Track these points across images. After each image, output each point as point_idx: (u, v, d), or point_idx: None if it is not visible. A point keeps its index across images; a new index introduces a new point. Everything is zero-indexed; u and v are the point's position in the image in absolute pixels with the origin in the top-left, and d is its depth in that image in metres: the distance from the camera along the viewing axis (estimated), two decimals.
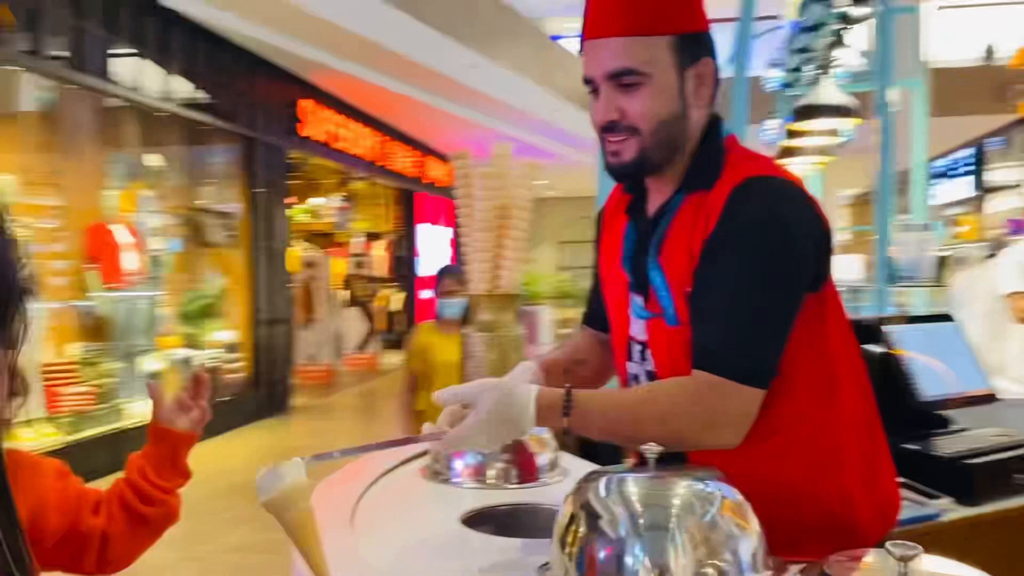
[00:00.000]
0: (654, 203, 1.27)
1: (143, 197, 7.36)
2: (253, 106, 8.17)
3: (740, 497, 0.97)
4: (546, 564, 1.10)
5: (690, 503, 0.94)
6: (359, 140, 10.57)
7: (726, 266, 1.14)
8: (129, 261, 7.08)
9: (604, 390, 1.35)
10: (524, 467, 1.57)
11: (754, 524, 0.96)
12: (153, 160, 7.48)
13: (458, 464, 1.57)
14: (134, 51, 6.49)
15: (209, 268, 8.61)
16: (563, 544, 0.96)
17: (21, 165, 6.38)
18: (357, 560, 1.18)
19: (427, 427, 1.19)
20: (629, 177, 1.26)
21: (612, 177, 1.28)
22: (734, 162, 1.21)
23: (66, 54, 5.88)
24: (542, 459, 1.60)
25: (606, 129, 1.22)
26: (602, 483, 0.97)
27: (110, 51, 6.26)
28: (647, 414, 1.15)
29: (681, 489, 0.96)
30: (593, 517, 0.95)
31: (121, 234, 7.01)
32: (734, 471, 1.01)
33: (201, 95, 7.42)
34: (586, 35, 1.21)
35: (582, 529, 0.95)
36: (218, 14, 6.89)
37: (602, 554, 0.93)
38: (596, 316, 1.45)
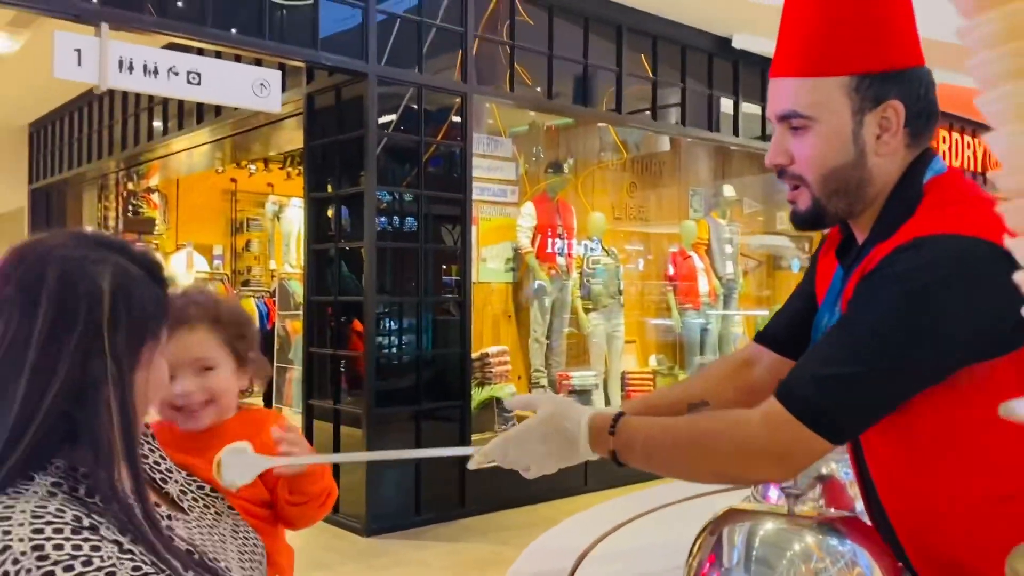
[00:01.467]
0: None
1: (718, 225, 8.00)
2: None
3: (870, 560, 0.91)
4: None
5: (809, 553, 0.93)
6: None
7: (865, 307, 1.03)
8: (703, 284, 7.78)
9: (662, 419, 1.20)
10: None
11: None
12: (728, 191, 8.06)
13: None
14: (707, 92, 7.15)
15: (784, 290, 8.89)
16: (688, 562, 1.03)
17: (613, 202, 7.57)
18: None
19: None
20: (810, 226, 1.17)
21: (795, 226, 1.20)
22: (924, 211, 1.05)
23: (646, 106, 6.80)
24: None
25: (779, 174, 1.16)
26: (741, 517, 1.01)
27: (685, 98, 7.01)
28: (685, 442, 1.08)
29: (809, 537, 0.95)
30: (718, 544, 1.00)
31: (697, 259, 7.76)
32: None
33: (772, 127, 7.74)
34: (769, 74, 1.17)
35: (703, 554, 1.01)
36: None
37: None
38: (773, 336, 1.35)
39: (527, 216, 6.41)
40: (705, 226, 7.93)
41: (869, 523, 1.11)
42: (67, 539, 0.79)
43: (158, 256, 1.00)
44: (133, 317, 0.91)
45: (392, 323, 5.53)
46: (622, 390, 7.01)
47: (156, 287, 0.96)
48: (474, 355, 5.85)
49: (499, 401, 5.97)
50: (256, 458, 1.22)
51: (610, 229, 7.29)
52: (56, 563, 0.77)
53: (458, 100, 5.63)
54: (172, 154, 8.44)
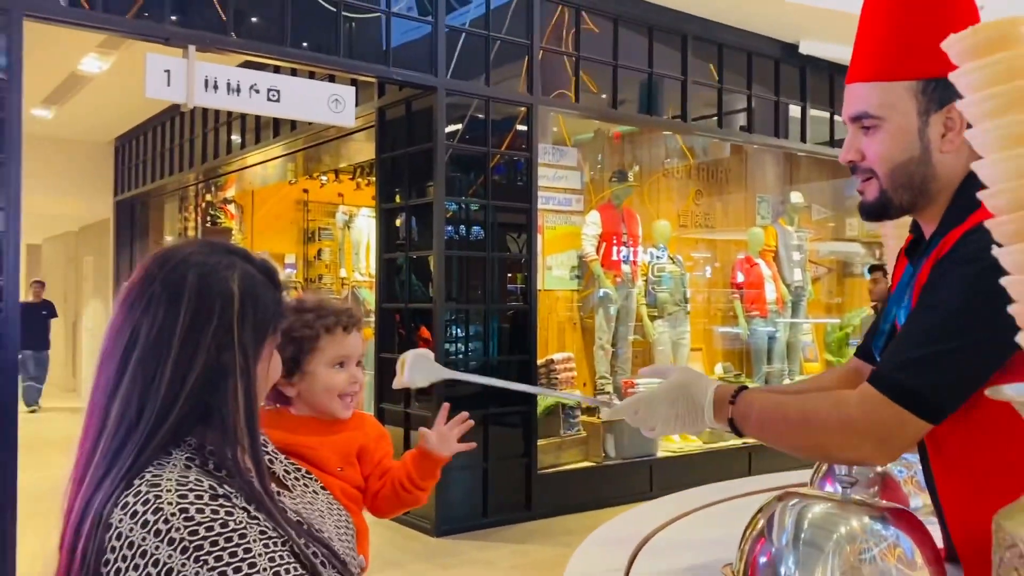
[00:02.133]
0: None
1: (785, 232, 7.94)
2: None
3: (913, 546, 0.99)
4: (730, 564, 1.22)
5: (855, 535, 1.01)
6: None
7: (941, 291, 1.09)
8: (770, 291, 7.74)
9: (781, 392, 1.31)
10: None
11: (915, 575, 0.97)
12: (796, 197, 8.01)
13: None
14: (774, 98, 7.13)
15: (854, 297, 8.77)
16: (741, 544, 1.11)
17: (678, 209, 7.60)
18: None
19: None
20: (877, 216, 1.25)
21: (862, 216, 1.28)
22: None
23: (712, 113, 6.83)
24: None
25: (852, 170, 1.25)
26: (793, 499, 1.09)
27: (752, 105, 7.01)
28: (795, 418, 1.15)
29: (855, 521, 1.02)
30: (769, 525, 1.09)
31: (764, 266, 7.72)
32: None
33: (840, 132, 7.67)
34: (845, 81, 1.26)
35: (756, 534, 1.09)
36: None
37: (763, 559, 1.06)
38: (867, 349, 1.40)
39: (592, 224, 6.50)
40: (773, 233, 7.89)
41: (919, 517, 1.17)
42: (206, 504, 0.92)
43: (274, 263, 1.14)
44: (258, 316, 1.04)
45: (459, 330, 5.67)
46: None
47: (275, 290, 1.08)
48: (540, 361, 5.95)
49: (564, 407, 6.07)
50: (438, 367, 1.45)
51: (676, 236, 7.32)
52: (199, 524, 0.90)
53: (524, 111, 5.76)
54: (248, 167, 8.78)
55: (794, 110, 7.32)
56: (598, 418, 6.25)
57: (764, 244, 7.77)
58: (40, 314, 11.19)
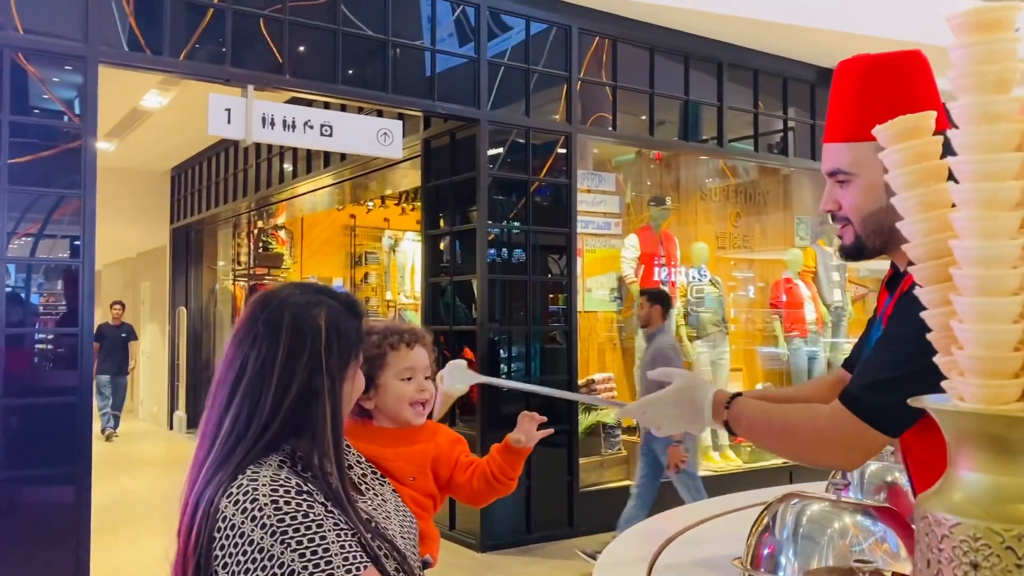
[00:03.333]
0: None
1: (824, 252, 8.00)
2: None
3: (898, 540, 1.14)
4: (739, 558, 1.37)
5: (847, 530, 1.16)
6: None
7: (898, 323, 1.26)
8: (810, 311, 7.79)
9: (771, 401, 1.48)
10: None
11: (900, 566, 1.12)
12: None
13: None
14: (810, 121, 7.23)
15: None
16: (748, 538, 1.27)
17: (717, 231, 7.71)
18: None
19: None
20: (854, 257, 1.42)
21: (842, 257, 1.46)
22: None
23: (749, 134, 6.96)
24: None
25: (831, 217, 1.43)
26: (794, 500, 1.25)
27: (788, 128, 7.12)
28: (777, 426, 1.32)
29: (847, 518, 1.18)
30: (772, 522, 1.24)
31: (803, 287, 7.79)
32: None
33: None
34: (822, 140, 1.44)
35: (760, 529, 1.25)
36: None
37: (766, 551, 1.22)
38: (851, 362, 1.56)
39: (631, 247, 6.65)
40: (811, 254, 7.95)
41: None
42: (292, 498, 1.13)
43: (356, 297, 1.35)
44: (342, 345, 1.26)
45: (502, 351, 5.86)
46: None
47: (356, 320, 1.31)
48: (580, 381, 6.11)
49: (605, 426, 6.20)
50: (471, 373, 1.69)
51: (715, 257, 7.43)
52: (286, 513, 1.11)
53: (563, 138, 5.96)
54: (298, 195, 9.11)
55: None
56: (639, 437, 6.37)
57: (803, 265, 7.83)
58: (120, 337, 10.89)
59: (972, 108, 0.63)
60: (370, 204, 10.88)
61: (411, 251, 11.21)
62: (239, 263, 11.25)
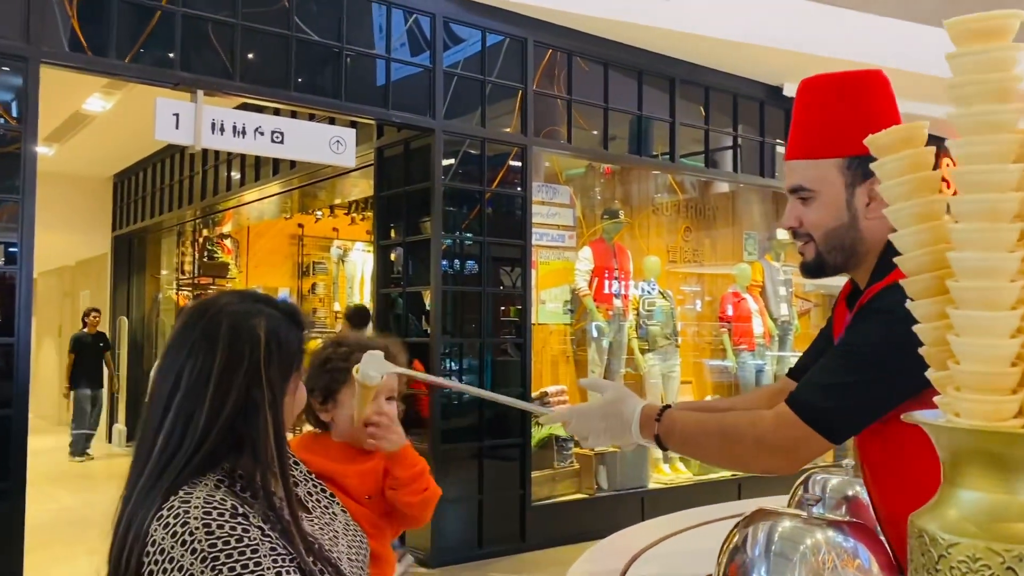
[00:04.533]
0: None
1: (771, 267, 8.13)
2: None
3: (870, 556, 1.13)
4: (710, 574, 1.36)
5: (819, 547, 1.15)
6: None
7: (856, 335, 1.26)
8: (757, 325, 7.90)
9: (696, 413, 1.47)
10: None
11: None
12: (782, 233, 8.20)
13: None
14: (759, 138, 7.35)
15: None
16: (719, 556, 1.25)
17: (668, 245, 7.79)
18: None
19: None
20: (815, 274, 1.42)
21: (803, 274, 1.46)
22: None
23: (700, 150, 7.05)
24: None
25: (792, 234, 1.43)
26: (765, 516, 1.24)
27: (737, 145, 7.23)
28: (713, 433, 1.33)
29: (818, 534, 1.17)
30: (743, 539, 1.23)
31: (751, 301, 7.89)
32: None
33: None
34: (784, 158, 1.45)
35: (732, 546, 1.23)
36: None
37: (739, 569, 1.20)
38: (800, 369, 1.57)
39: (584, 260, 6.67)
40: (759, 268, 8.07)
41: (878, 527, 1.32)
42: (227, 521, 1.07)
43: (297, 307, 1.29)
44: (282, 356, 1.20)
45: (455, 363, 5.80)
46: None
47: (298, 330, 1.24)
48: (534, 394, 6.08)
49: (558, 439, 6.18)
50: (388, 364, 1.61)
51: (665, 271, 7.49)
52: (218, 537, 1.05)
53: (518, 150, 5.95)
54: (245, 203, 8.95)
55: (779, 149, 7.54)
56: (591, 450, 6.37)
57: (751, 279, 7.94)
58: (97, 347, 9.98)
59: (972, 118, 0.62)
60: (319, 213, 10.75)
61: (360, 261, 11.10)
62: (183, 272, 11.00)
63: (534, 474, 5.87)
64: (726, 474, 7.14)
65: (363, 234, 10.79)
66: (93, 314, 10.11)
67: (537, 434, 6.04)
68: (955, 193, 0.66)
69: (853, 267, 1.40)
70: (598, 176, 7.43)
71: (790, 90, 7.17)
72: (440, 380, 1.67)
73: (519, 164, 5.96)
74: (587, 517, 6.02)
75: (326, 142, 4.95)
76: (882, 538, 1.29)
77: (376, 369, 1.57)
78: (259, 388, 1.16)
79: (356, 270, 11.28)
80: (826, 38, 6.19)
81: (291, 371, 1.22)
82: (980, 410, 0.64)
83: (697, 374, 7.90)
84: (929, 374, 0.71)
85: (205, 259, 10.71)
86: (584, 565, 1.45)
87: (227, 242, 11.17)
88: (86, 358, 9.81)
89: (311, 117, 5.71)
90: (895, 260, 0.75)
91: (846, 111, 1.35)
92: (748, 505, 2.20)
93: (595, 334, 6.71)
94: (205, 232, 10.76)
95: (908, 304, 0.74)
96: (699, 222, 8.12)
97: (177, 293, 10.94)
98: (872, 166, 0.76)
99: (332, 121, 5.58)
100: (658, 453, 6.97)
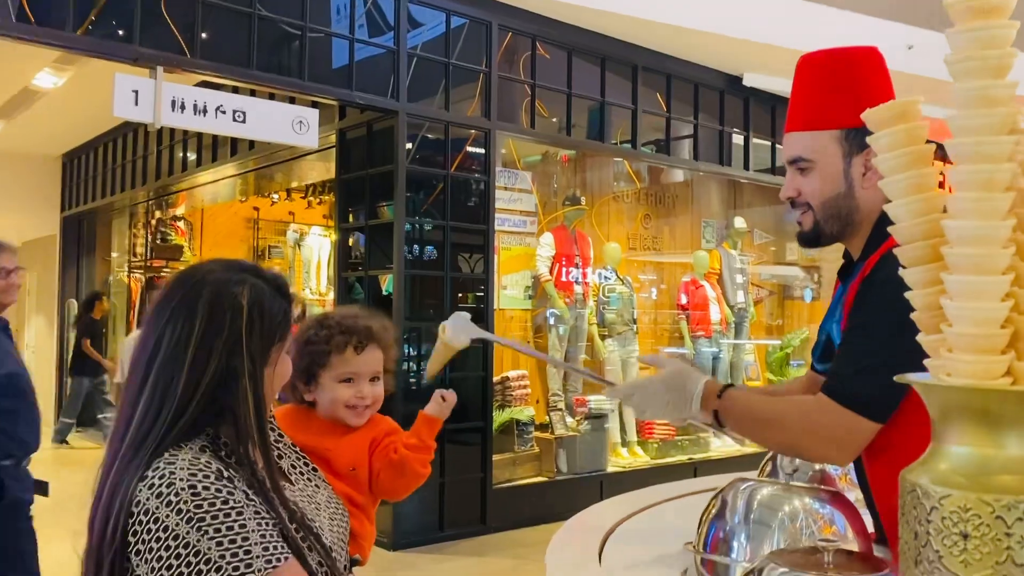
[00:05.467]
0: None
1: (728, 255, 8.26)
2: None
3: (845, 522, 1.17)
4: (691, 542, 1.40)
5: (797, 513, 1.19)
6: None
7: (868, 310, 1.29)
8: (715, 312, 8.02)
9: (761, 394, 1.53)
10: None
11: (851, 545, 1.15)
12: (739, 222, 8.34)
13: None
14: (719, 127, 7.45)
15: (794, 319, 9.13)
16: (700, 525, 1.29)
17: (628, 232, 7.86)
18: None
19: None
20: (811, 243, 1.48)
21: (800, 244, 1.50)
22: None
23: (660, 138, 7.12)
24: None
25: (791, 204, 1.48)
26: (744, 484, 1.27)
27: (698, 133, 7.32)
28: (769, 419, 1.35)
29: (796, 501, 1.21)
30: (723, 506, 1.26)
31: (709, 288, 8.01)
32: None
33: (781, 160, 8.03)
34: (784, 129, 1.50)
35: (713, 513, 1.27)
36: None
37: (720, 534, 1.24)
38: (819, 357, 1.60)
39: (546, 246, 6.70)
40: (717, 256, 8.19)
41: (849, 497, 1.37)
42: (212, 483, 1.07)
43: (284, 277, 1.28)
44: (265, 326, 1.19)
45: (417, 348, 5.80)
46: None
47: (283, 301, 1.23)
48: (495, 379, 6.11)
49: (519, 423, 6.22)
50: (474, 326, 1.64)
51: (625, 259, 7.56)
52: (204, 499, 1.05)
53: (481, 135, 5.95)
54: (200, 185, 8.79)
55: (737, 139, 7.65)
56: (551, 434, 6.43)
57: (709, 267, 8.06)
58: (101, 333, 9.53)
59: (971, 92, 0.65)
60: (275, 196, 10.61)
61: (317, 246, 10.98)
62: (135, 254, 10.77)
63: (495, 458, 5.91)
64: (682, 457, 7.27)
65: (319, 218, 10.68)
66: (105, 299, 9.90)
67: (499, 418, 6.07)
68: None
69: (849, 236, 1.44)
70: (555, 163, 7.46)
71: (750, 80, 7.27)
72: (524, 347, 1.68)
73: (483, 148, 5.96)
74: (547, 500, 6.08)
75: (289, 122, 4.89)
76: (863, 510, 1.34)
77: (465, 333, 1.60)
78: (239, 358, 1.15)
79: (313, 254, 11.15)
80: (786, 29, 6.29)
81: (273, 342, 1.21)
82: (971, 370, 0.67)
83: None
84: (920, 338, 0.75)
85: (158, 241, 10.50)
86: (558, 549, 1.47)
87: (181, 224, 10.96)
88: (93, 346, 9.42)
89: (271, 97, 5.64)
90: (890, 229, 0.79)
91: (844, 85, 1.40)
92: (707, 482, 2.26)
93: (551, 321, 6.75)
94: (158, 214, 10.54)
95: (900, 272, 0.78)
96: (658, 210, 8.21)
97: (129, 276, 10.72)
98: (868, 140, 0.79)
99: (292, 101, 5.52)
100: (616, 436, 7.06)
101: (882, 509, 1.34)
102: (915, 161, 0.75)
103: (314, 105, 5.40)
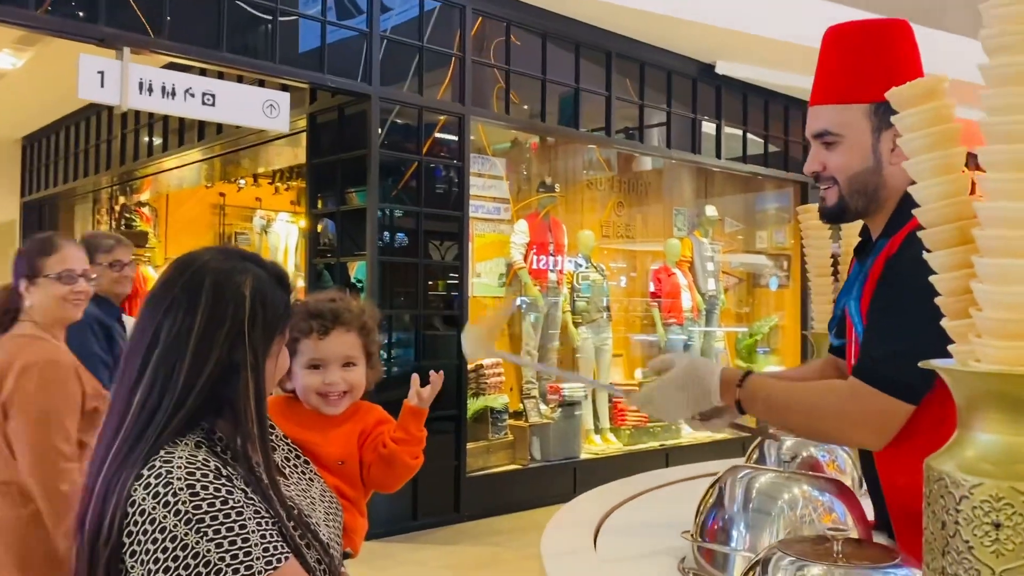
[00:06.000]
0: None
1: (700, 243, 8.29)
2: (805, 151, 8.51)
3: (845, 509, 1.16)
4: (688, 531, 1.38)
5: (796, 501, 1.18)
6: None
7: (897, 290, 1.27)
8: (686, 300, 8.06)
9: (783, 378, 1.49)
10: None
11: (853, 533, 1.14)
12: (710, 210, 8.37)
13: None
14: (691, 115, 7.45)
15: (762, 307, 9.20)
16: (698, 513, 1.27)
17: (601, 220, 7.86)
18: None
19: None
20: (835, 219, 1.46)
21: (822, 219, 1.49)
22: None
23: (632, 125, 7.10)
24: None
25: (815, 178, 1.45)
26: (741, 472, 1.26)
27: (671, 120, 7.32)
28: (799, 405, 1.32)
29: (796, 489, 1.20)
30: (721, 494, 1.25)
31: (681, 276, 8.04)
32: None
33: (753, 148, 8.08)
34: (809, 103, 1.47)
35: (711, 502, 1.25)
36: (769, 73, 7.46)
37: (719, 523, 1.22)
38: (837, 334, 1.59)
39: (520, 233, 6.66)
40: (688, 244, 8.21)
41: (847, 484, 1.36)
42: (211, 482, 1.03)
43: (284, 268, 1.24)
44: (267, 317, 1.15)
45: (388, 336, 5.74)
46: (609, 401, 7.26)
47: (284, 293, 1.20)
48: (470, 367, 6.08)
49: (493, 411, 6.20)
50: (487, 342, 1.60)
51: (598, 246, 7.56)
52: (203, 499, 1.02)
53: (455, 120, 5.89)
54: (166, 171, 8.62)
55: (709, 127, 7.66)
56: (525, 422, 6.42)
57: (681, 255, 8.08)
58: None
59: (1006, 69, 0.64)
60: (241, 182, 10.44)
61: (284, 232, 10.83)
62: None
63: (469, 446, 5.88)
64: (654, 444, 7.31)
65: (287, 204, 10.54)
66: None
67: (472, 406, 6.05)
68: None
69: (872, 213, 1.42)
70: (524, 150, 7.42)
71: (722, 68, 7.28)
72: (530, 362, 1.62)
73: (456, 133, 5.90)
74: (520, 487, 6.08)
75: (260, 105, 4.80)
76: (865, 500, 1.33)
77: (479, 348, 1.59)
78: (241, 350, 1.11)
79: (280, 241, 11.00)
80: (760, 17, 6.30)
81: (275, 334, 1.17)
82: (1002, 356, 0.66)
83: (627, 347, 8.02)
84: (945, 323, 0.73)
85: (122, 228, 10.30)
86: (552, 541, 1.45)
87: (145, 210, 10.76)
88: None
89: (239, 80, 5.52)
90: (914, 212, 0.77)
91: (873, 58, 1.37)
92: (689, 470, 2.25)
93: (523, 307, 6.73)
94: (122, 199, 10.34)
95: (925, 255, 0.76)
96: (630, 198, 8.21)
97: None
98: (893, 119, 0.77)
99: (262, 84, 5.41)
100: (589, 424, 7.07)
101: (888, 494, 1.33)
102: (941, 141, 0.73)
103: (284, 88, 5.30)
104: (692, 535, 1.26)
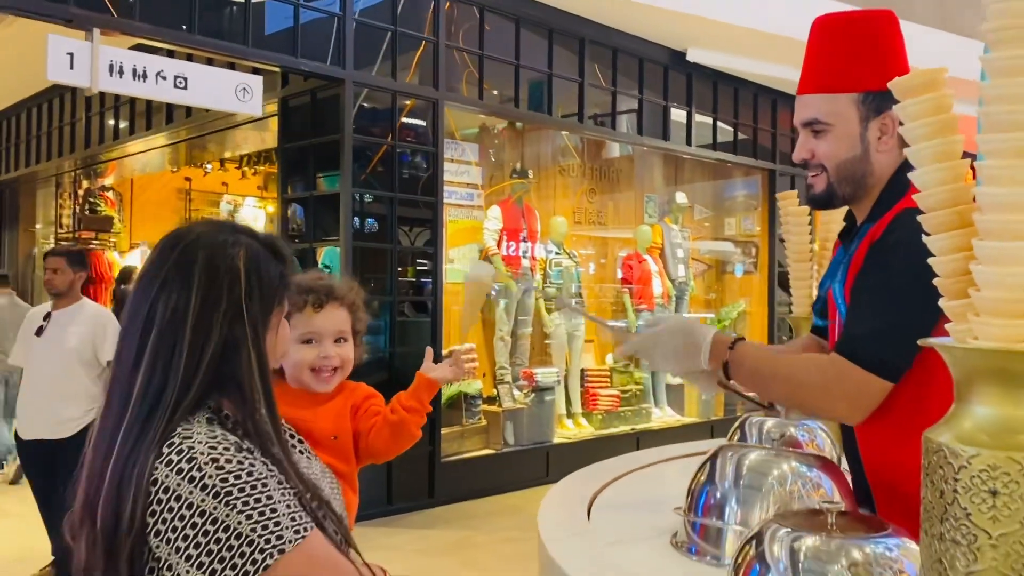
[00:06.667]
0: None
1: (670, 230, 8.37)
2: (774, 139, 8.63)
3: (832, 485, 1.20)
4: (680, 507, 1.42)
5: (786, 477, 1.22)
6: None
7: (880, 272, 1.31)
8: (657, 286, 8.14)
9: (770, 349, 1.55)
10: None
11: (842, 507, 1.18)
12: (680, 197, 8.45)
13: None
14: (662, 102, 7.50)
15: (729, 293, 9.33)
16: (690, 490, 1.31)
17: (573, 206, 7.89)
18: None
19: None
20: (823, 205, 1.50)
21: (810, 206, 1.54)
22: (911, 194, 1.34)
23: (604, 112, 7.14)
24: None
25: (803, 166, 1.49)
26: (731, 450, 1.30)
27: (643, 107, 7.36)
28: (783, 376, 1.36)
29: (785, 465, 1.24)
30: (712, 471, 1.28)
31: (651, 262, 8.11)
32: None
33: (722, 136, 8.16)
34: (797, 92, 1.50)
35: (703, 479, 1.29)
36: (740, 61, 7.53)
37: (711, 500, 1.26)
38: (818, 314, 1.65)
39: (494, 219, 6.68)
40: (659, 231, 8.29)
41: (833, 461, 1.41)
42: (233, 456, 1.04)
43: (277, 237, 1.23)
44: (263, 290, 1.14)
45: None
46: (582, 386, 7.32)
47: (279, 263, 1.19)
48: (444, 352, 6.09)
49: (467, 396, 6.23)
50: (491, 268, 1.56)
51: (570, 233, 7.60)
52: (228, 472, 1.02)
53: (429, 105, 5.87)
54: (131, 155, 8.49)
55: (680, 114, 7.72)
56: (498, 407, 6.45)
57: (652, 241, 8.15)
58: None
59: (1003, 62, 0.67)
60: (207, 167, 10.32)
61: (251, 217, 10.73)
62: (62, 226, 10.37)
63: (443, 431, 5.91)
64: (625, 428, 7.39)
65: (254, 189, 10.44)
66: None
67: (447, 391, 6.07)
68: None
69: (859, 199, 1.46)
70: (492, 136, 7.42)
71: (694, 56, 7.33)
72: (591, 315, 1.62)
73: (430, 119, 5.89)
74: (494, 472, 6.12)
75: (232, 89, 4.75)
76: (847, 475, 1.37)
77: (485, 271, 1.56)
78: (241, 325, 1.11)
79: None
80: (731, 5, 6.36)
81: (273, 306, 1.17)
82: (1000, 334, 0.69)
83: (599, 333, 8.08)
84: (943, 303, 0.77)
85: (87, 212, 10.13)
86: (548, 519, 1.47)
87: (110, 194, 10.59)
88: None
89: (208, 62, 5.46)
90: (914, 197, 0.80)
91: (861, 48, 1.40)
92: (666, 451, 2.30)
93: (494, 293, 6.75)
94: (86, 184, 10.16)
95: (925, 239, 0.79)
96: (602, 184, 8.26)
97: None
98: (895, 108, 0.80)
99: (232, 67, 5.35)
100: (562, 408, 7.13)
101: (869, 468, 1.37)
102: (941, 130, 0.77)
103: (255, 72, 5.25)
104: (684, 511, 1.30)
